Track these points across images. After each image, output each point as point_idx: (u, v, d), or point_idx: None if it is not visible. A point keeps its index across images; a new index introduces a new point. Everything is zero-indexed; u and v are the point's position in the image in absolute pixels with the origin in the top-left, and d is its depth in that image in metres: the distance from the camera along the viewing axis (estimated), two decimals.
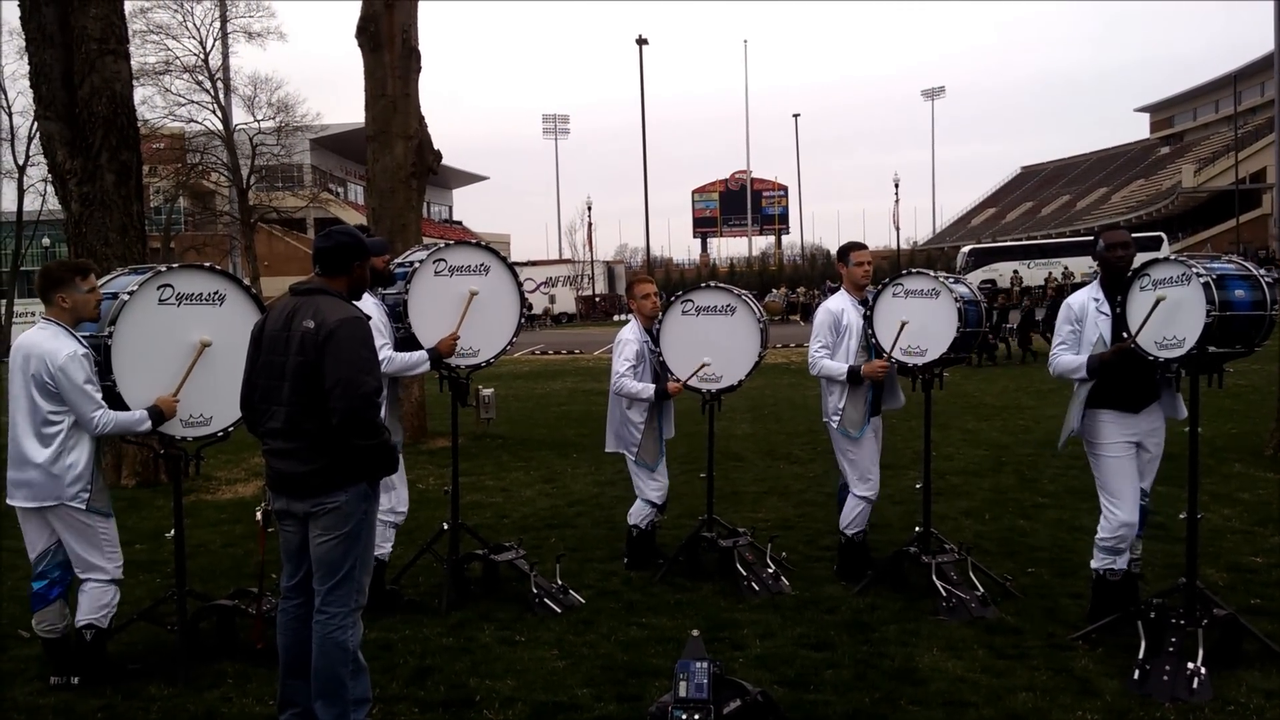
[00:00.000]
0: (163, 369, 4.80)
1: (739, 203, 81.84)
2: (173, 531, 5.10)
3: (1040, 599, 5.72)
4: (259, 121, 42.84)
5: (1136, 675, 4.49)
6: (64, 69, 9.46)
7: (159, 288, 4.82)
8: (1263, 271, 4.76)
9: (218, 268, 5.13)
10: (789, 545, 6.87)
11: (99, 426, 4.60)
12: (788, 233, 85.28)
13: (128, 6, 10.38)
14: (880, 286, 6.07)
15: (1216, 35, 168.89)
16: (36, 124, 10.00)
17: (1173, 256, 4.92)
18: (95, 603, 4.75)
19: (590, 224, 65.63)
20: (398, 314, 5.70)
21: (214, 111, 40.87)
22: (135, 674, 4.85)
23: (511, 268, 6.15)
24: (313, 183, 58.22)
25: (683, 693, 3.94)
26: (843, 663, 4.86)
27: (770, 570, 6.14)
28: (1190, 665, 4.42)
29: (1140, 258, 5.13)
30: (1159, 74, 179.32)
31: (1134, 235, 5.76)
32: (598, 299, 58.62)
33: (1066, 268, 45.98)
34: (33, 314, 35.16)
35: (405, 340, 5.70)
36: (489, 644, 5.26)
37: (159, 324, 4.82)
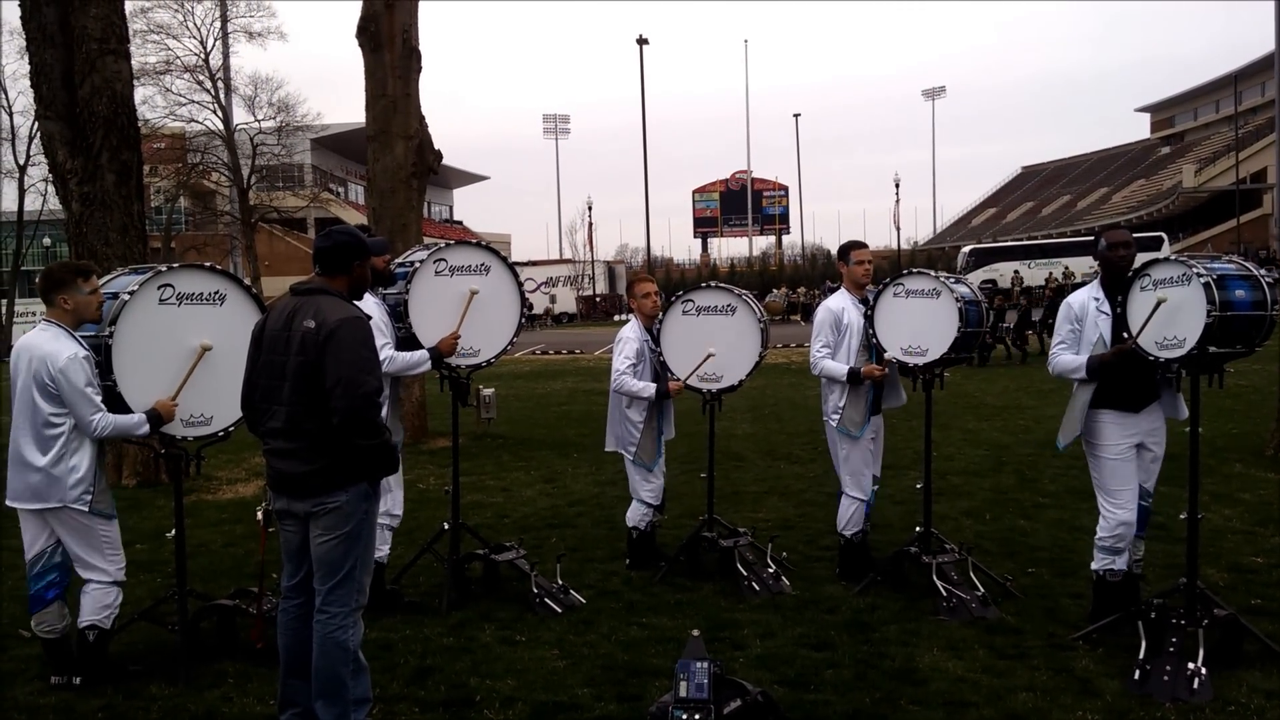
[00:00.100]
0: (163, 369, 4.80)
1: (739, 203, 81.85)
2: (173, 531, 5.10)
3: (1041, 599, 5.72)
4: (259, 121, 42.94)
5: (1137, 675, 4.49)
6: (65, 69, 9.46)
7: (159, 287, 4.82)
8: (1263, 271, 4.77)
9: (218, 267, 5.13)
10: (789, 545, 6.87)
11: (97, 430, 4.59)
12: (788, 233, 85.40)
13: (128, 6, 10.42)
14: (881, 286, 6.07)
15: (1217, 35, 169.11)
16: (37, 124, 10.01)
17: (1173, 257, 4.92)
18: (97, 604, 4.74)
19: (591, 224, 65.68)
20: (398, 314, 5.70)
21: (215, 111, 40.93)
22: (136, 674, 4.85)
23: (512, 268, 6.15)
24: (313, 182, 58.24)
25: (683, 693, 3.94)
26: (843, 663, 4.86)
27: (771, 570, 6.14)
28: (1191, 665, 4.42)
29: (1140, 258, 5.13)
30: (1159, 74, 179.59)
31: (1134, 235, 5.75)
32: (598, 299, 58.64)
33: (1067, 268, 45.96)
34: (33, 314, 35.17)
35: (406, 340, 5.71)
36: (489, 644, 5.26)
37: (159, 324, 4.82)
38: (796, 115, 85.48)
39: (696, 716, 3.88)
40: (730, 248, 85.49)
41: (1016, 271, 47.13)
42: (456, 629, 5.48)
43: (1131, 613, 4.83)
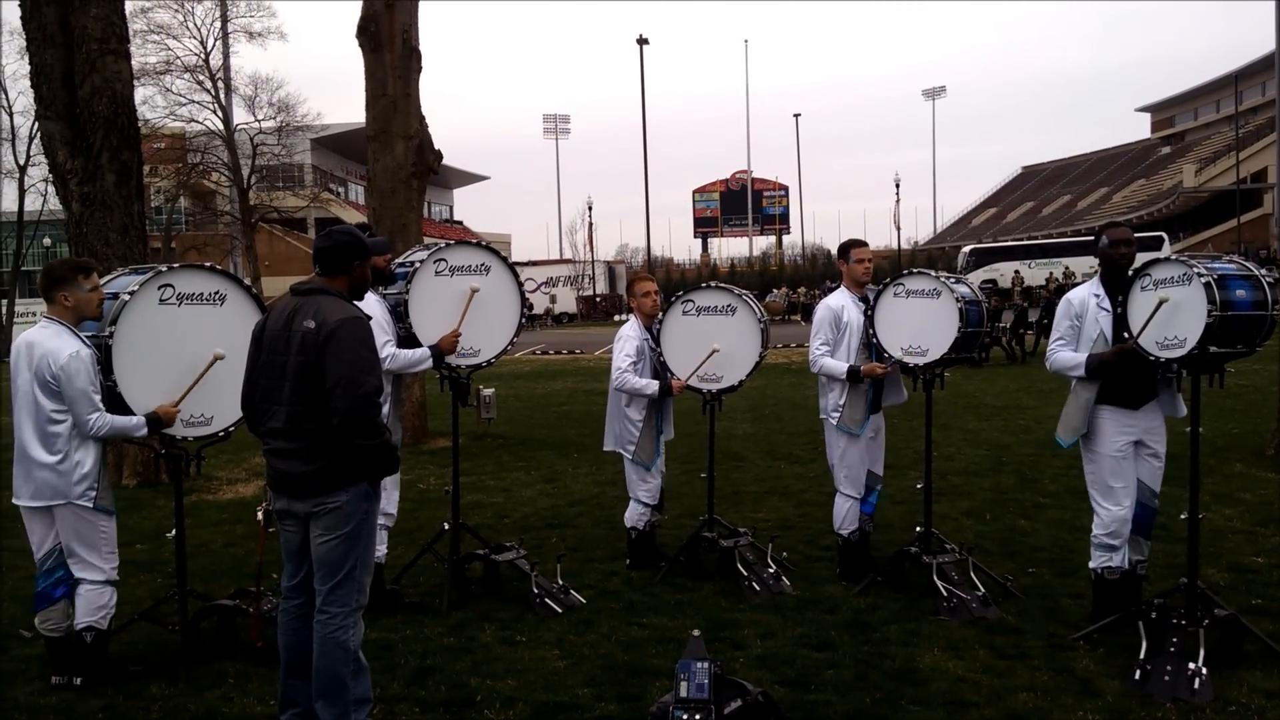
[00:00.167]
0: (164, 369, 4.80)
1: (740, 202, 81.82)
2: (174, 531, 5.10)
3: (1041, 599, 5.72)
4: (260, 121, 42.91)
5: (1138, 675, 4.49)
6: (65, 69, 9.46)
7: (160, 288, 4.82)
8: (1264, 271, 4.76)
9: (218, 267, 5.13)
10: (790, 545, 6.87)
11: (94, 430, 4.59)
12: (788, 233, 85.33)
13: (128, 6, 10.42)
14: (881, 286, 6.06)
15: (1217, 35, 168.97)
16: (37, 124, 10.01)
17: (1174, 256, 4.92)
18: (92, 605, 4.73)
19: (591, 224, 65.64)
20: (399, 313, 5.71)
21: (215, 111, 40.91)
22: (136, 674, 4.85)
23: (512, 268, 6.15)
24: (313, 183, 58.22)
25: (683, 693, 3.94)
26: (844, 663, 4.86)
27: (771, 570, 6.14)
28: (1191, 665, 4.42)
29: (1141, 258, 5.13)
30: (1160, 74, 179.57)
31: (1135, 235, 5.75)
32: (598, 299, 58.62)
33: (1068, 268, 45.94)
34: (34, 314, 35.15)
35: (406, 340, 5.71)
36: (490, 644, 5.26)
37: (160, 324, 4.82)
38: (797, 115, 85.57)
39: (697, 717, 3.88)
40: (730, 248, 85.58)
41: (1017, 271, 47.09)
42: (457, 629, 5.48)
43: (1132, 613, 4.83)
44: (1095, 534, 5.20)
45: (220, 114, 40.73)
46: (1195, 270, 4.60)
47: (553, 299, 55.17)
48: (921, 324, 5.80)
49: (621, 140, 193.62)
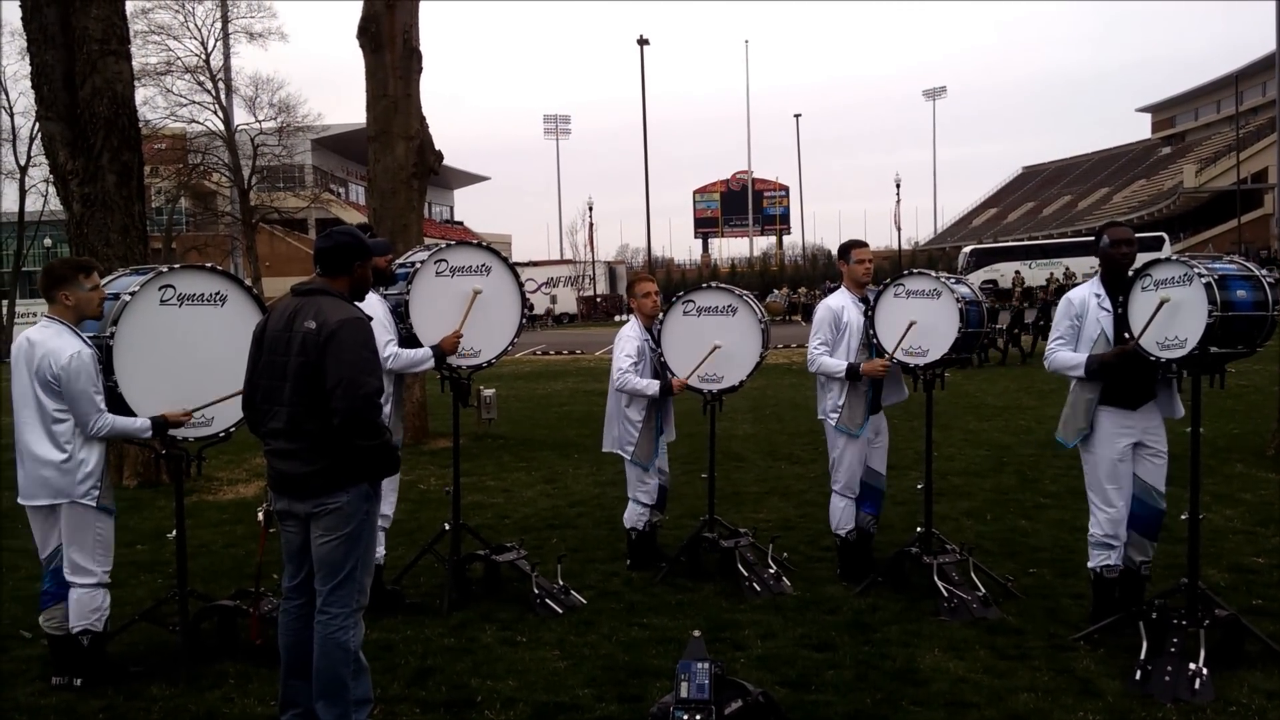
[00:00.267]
0: (164, 370, 4.81)
1: (740, 203, 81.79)
2: (174, 532, 5.10)
3: (1042, 599, 5.72)
4: (260, 122, 42.92)
5: (1138, 676, 4.49)
6: (65, 70, 9.47)
7: (160, 288, 4.83)
8: (1264, 272, 4.76)
9: (219, 268, 5.14)
10: (790, 546, 6.87)
11: (95, 430, 4.58)
12: (789, 233, 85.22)
13: (129, 7, 10.41)
14: (881, 287, 6.07)
15: (1218, 35, 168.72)
16: (38, 125, 10.05)
17: (1174, 257, 4.91)
18: (85, 609, 4.69)
19: (591, 224, 65.67)
20: (400, 314, 5.71)
21: (215, 112, 40.92)
22: (137, 675, 4.84)
23: (513, 268, 6.16)
24: (314, 183, 58.25)
25: (684, 693, 3.94)
26: (844, 663, 4.86)
27: (771, 571, 6.14)
28: (1192, 666, 4.42)
29: (1141, 258, 5.13)
30: (1160, 74, 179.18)
31: (1136, 235, 5.75)
32: (599, 299, 58.64)
33: (1068, 268, 45.93)
34: (34, 314, 35.16)
35: (407, 340, 5.71)
36: (490, 644, 5.26)
37: (161, 325, 4.82)
38: (797, 115, 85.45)
39: (698, 717, 3.88)
40: (731, 248, 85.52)
41: (1018, 272, 47.00)
42: (457, 630, 5.48)
43: (1133, 613, 4.83)
44: (1092, 533, 5.21)
45: (221, 115, 40.76)
46: (1196, 270, 4.60)
47: (553, 299, 55.21)
48: (922, 324, 5.79)
49: (622, 140, 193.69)
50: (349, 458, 3.89)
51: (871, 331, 6.00)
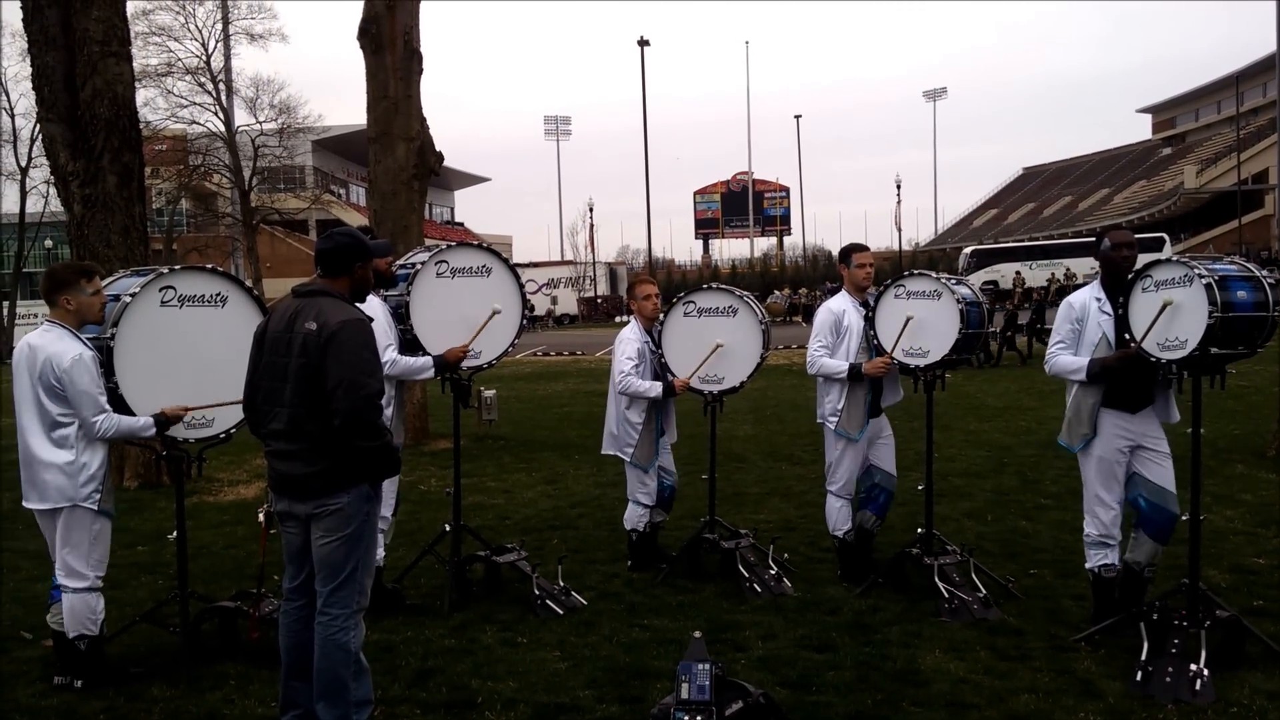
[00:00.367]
0: (165, 371, 4.81)
1: (741, 204, 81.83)
2: (175, 533, 5.10)
3: (1042, 600, 5.72)
4: (261, 123, 42.90)
5: (1139, 677, 4.49)
6: (66, 71, 9.48)
7: (161, 289, 4.83)
8: (1265, 272, 4.76)
9: (220, 269, 5.14)
10: (791, 547, 6.87)
11: (101, 431, 4.59)
12: (789, 234, 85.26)
13: (130, 8, 10.42)
14: (882, 288, 6.07)
15: (1219, 36, 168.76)
16: (39, 126, 10.05)
17: (1175, 258, 4.91)
18: (79, 615, 4.67)
19: (592, 225, 65.71)
20: (400, 315, 5.71)
21: (216, 113, 40.91)
22: (138, 676, 4.84)
23: (513, 269, 6.16)
24: (315, 184, 58.24)
25: (685, 694, 3.94)
26: (845, 664, 4.86)
27: (772, 572, 6.14)
28: (1193, 667, 4.41)
29: (1142, 259, 5.13)
30: (1161, 75, 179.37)
31: (1136, 236, 5.75)
32: (599, 300, 58.64)
33: (1069, 269, 45.93)
34: (35, 315, 35.17)
35: (409, 343, 5.71)
36: (491, 645, 5.26)
37: (161, 326, 4.83)
38: (798, 117, 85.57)
39: (698, 718, 3.88)
40: (731, 249, 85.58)
41: (1018, 273, 47.09)
42: (458, 631, 5.48)
43: (1133, 614, 4.83)
44: (1088, 534, 5.22)
45: (221, 116, 40.75)
46: (1196, 271, 4.60)
47: (554, 300, 55.21)
48: (923, 324, 5.79)
49: (622, 142, 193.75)
50: (350, 459, 3.89)
51: (872, 333, 6.00)
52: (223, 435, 5.03)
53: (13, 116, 39.03)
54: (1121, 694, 4.43)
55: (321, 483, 3.90)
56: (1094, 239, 5.37)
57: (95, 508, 4.64)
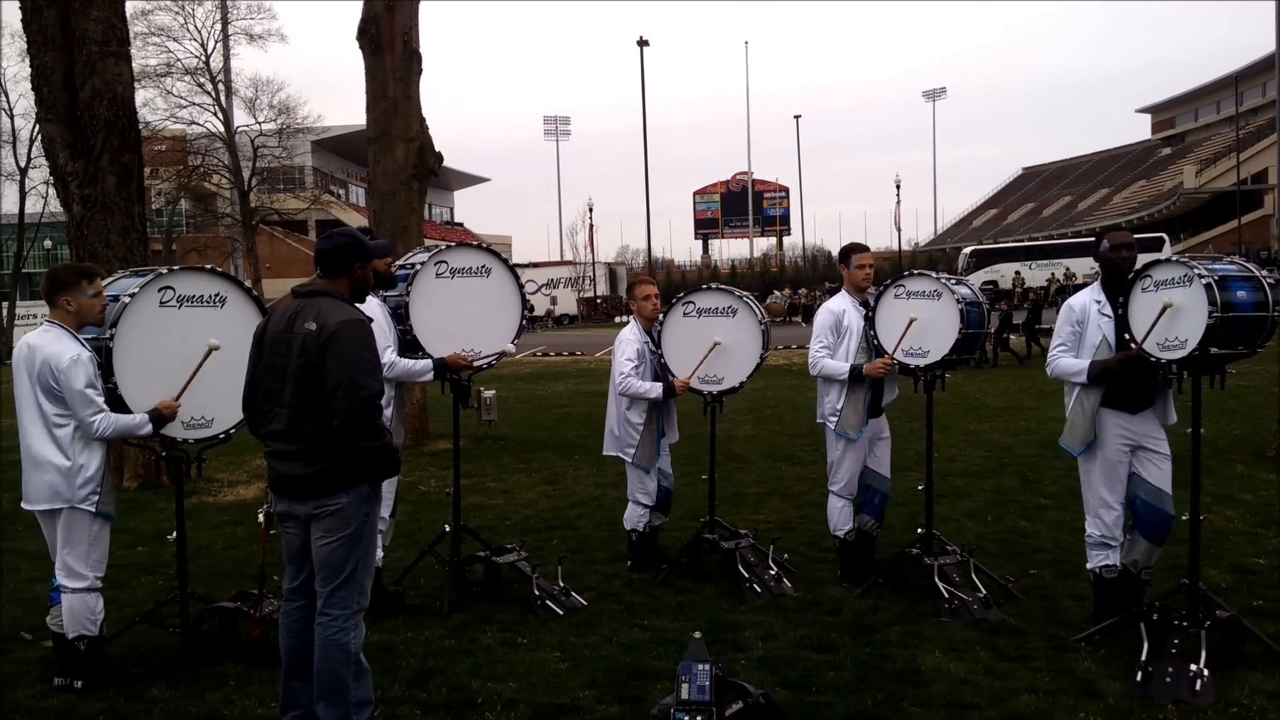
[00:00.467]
0: (164, 371, 4.80)
1: (740, 204, 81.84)
2: (174, 534, 5.10)
3: (1042, 600, 5.72)
4: (260, 124, 42.90)
5: (1139, 677, 4.49)
6: (65, 71, 9.47)
7: (160, 290, 4.83)
8: (1265, 272, 4.76)
9: (219, 270, 5.14)
10: (791, 547, 6.87)
11: (98, 430, 4.58)
12: (789, 234, 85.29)
13: (129, 9, 10.42)
14: (882, 288, 6.07)
15: (1218, 36, 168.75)
16: (38, 126, 10.05)
17: (1174, 258, 4.91)
18: (79, 616, 4.67)
19: (592, 225, 65.70)
20: (399, 316, 5.71)
21: (215, 114, 40.91)
22: (137, 676, 4.84)
23: (513, 269, 6.17)
24: (314, 185, 58.24)
25: (685, 695, 3.94)
26: (845, 664, 4.86)
27: (772, 572, 6.14)
28: (1193, 667, 4.41)
29: (1141, 258, 5.13)
30: (1161, 75, 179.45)
31: (1135, 236, 5.75)
32: (599, 300, 58.64)
33: (1069, 269, 45.93)
34: (34, 316, 35.16)
35: (409, 343, 5.71)
36: (491, 646, 5.26)
37: (160, 326, 4.82)
38: (797, 117, 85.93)
39: (698, 718, 3.88)
40: (731, 249, 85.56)
41: (1018, 273, 47.14)
42: (458, 631, 5.48)
43: (1133, 614, 4.83)
44: (1090, 534, 5.22)
45: (221, 116, 40.74)
46: (1196, 272, 4.60)
47: (553, 300, 55.22)
48: (923, 324, 5.79)
49: (622, 142, 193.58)
50: (349, 459, 3.88)
51: (872, 333, 6.00)
52: (222, 436, 5.03)
53: (12, 117, 39.08)
54: (1121, 694, 4.43)
55: (321, 483, 3.89)
56: (1093, 239, 5.37)
57: (93, 510, 4.63)
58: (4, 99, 38.84)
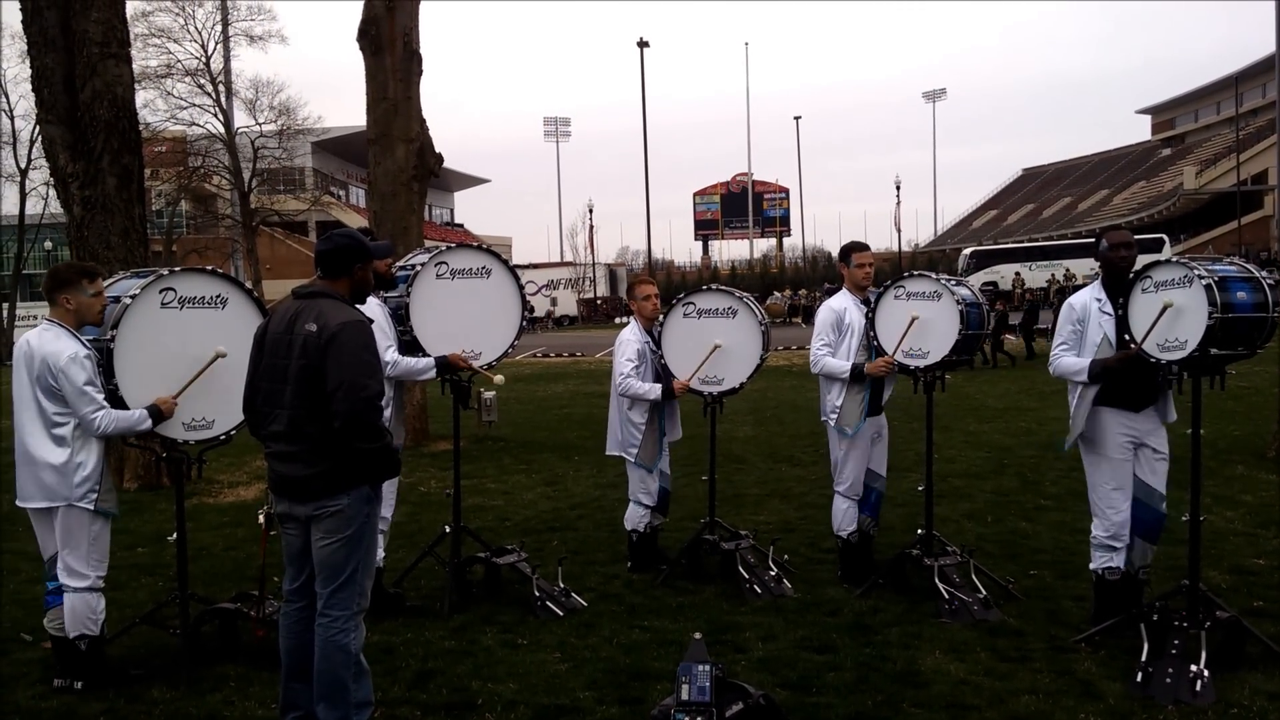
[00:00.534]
0: (165, 372, 4.80)
1: (740, 205, 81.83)
2: (175, 535, 5.10)
3: (1043, 601, 5.72)
4: (260, 125, 42.89)
5: (1139, 678, 4.49)
6: (66, 73, 9.48)
7: (161, 291, 4.83)
8: (1264, 273, 4.76)
9: (220, 271, 5.14)
10: (791, 548, 6.86)
11: (99, 427, 4.58)
12: (789, 235, 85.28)
13: (129, 10, 10.42)
14: (882, 289, 6.07)
15: (1218, 37, 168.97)
16: (38, 128, 10.06)
17: (1174, 259, 4.92)
18: (80, 615, 4.67)
19: (592, 226, 65.72)
20: (400, 317, 5.71)
21: (216, 115, 40.88)
22: (138, 677, 4.84)
23: (513, 270, 6.17)
24: (314, 186, 58.25)
25: (685, 695, 3.94)
26: (845, 665, 4.86)
27: (772, 573, 6.14)
28: (1193, 668, 4.41)
29: (1141, 259, 5.14)
30: (1161, 76, 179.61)
31: (1136, 237, 5.75)
32: (599, 301, 58.63)
33: (1069, 270, 45.92)
34: (34, 317, 35.14)
35: (409, 345, 5.71)
36: (491, 647, 5.26)
37: (161, 327, 4.82)
38: (797, 118, 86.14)
39: (698, 719, 3.88)
40: (731, 250, 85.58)
41: (1018, 273, 47.12)
42: (458, 632, 5.48)
43: (1133, 615, 4.83)
44: (1095, 535, 5.21)
45: (221, 117, 40.72)
46: (1196, 272, 4.60)
47: (554, 301, 55.20)
48: (922, 326, 5.80)
49: (622, 143, 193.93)
50: (350, 460, 3.89)
51: (872, 333, 6.00)
52: (222, 437, 5.03)
53: (12, 118, 39.03)
54: (1122, 695, 4.43)
55: (322, 484, 3.90)
56: (1094, 240, 5.38)
57: (92, 508, 4.63)
58: (4, 100, 38.83)
